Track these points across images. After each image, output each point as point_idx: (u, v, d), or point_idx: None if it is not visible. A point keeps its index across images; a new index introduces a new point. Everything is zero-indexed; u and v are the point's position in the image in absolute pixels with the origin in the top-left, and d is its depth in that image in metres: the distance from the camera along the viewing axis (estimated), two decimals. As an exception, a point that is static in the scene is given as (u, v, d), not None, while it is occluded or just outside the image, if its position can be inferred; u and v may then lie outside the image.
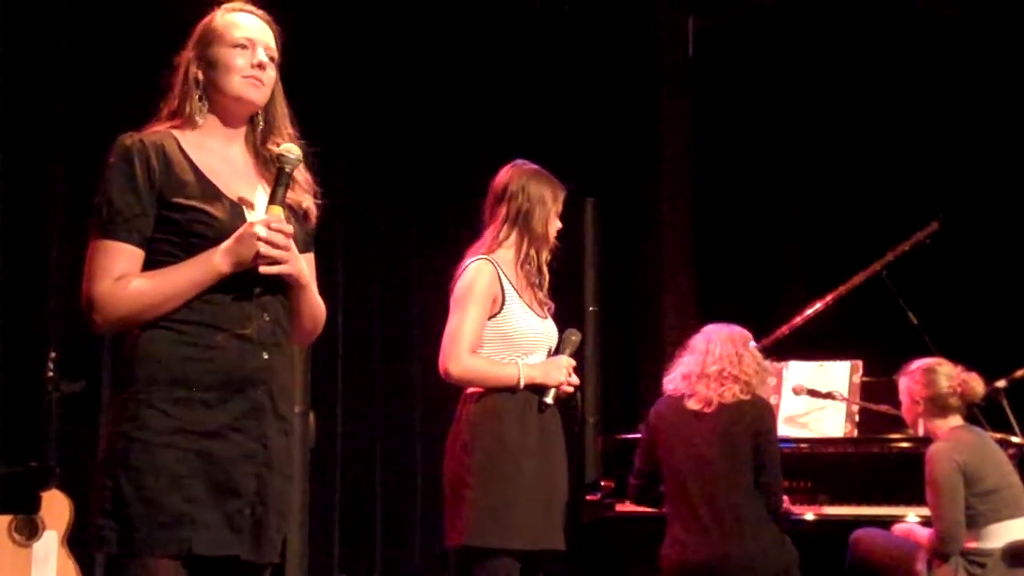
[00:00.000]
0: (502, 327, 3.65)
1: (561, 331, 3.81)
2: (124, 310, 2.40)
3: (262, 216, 2.45)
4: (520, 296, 3.69)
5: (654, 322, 7.17)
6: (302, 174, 2.61)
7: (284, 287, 2.52)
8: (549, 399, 3.64)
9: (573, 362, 3.72)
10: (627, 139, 7.30)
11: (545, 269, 3.79)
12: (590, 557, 5.25)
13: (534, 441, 3.61)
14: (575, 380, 3.71)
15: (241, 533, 2.40)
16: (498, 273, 3.67)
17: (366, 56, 6.09)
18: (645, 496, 4.72)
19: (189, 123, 2.54)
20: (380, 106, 6.15)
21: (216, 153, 2.55)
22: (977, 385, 4.55)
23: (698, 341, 4.62)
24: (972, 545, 4.36)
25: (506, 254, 3.74)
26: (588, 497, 5.33)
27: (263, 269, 2.42)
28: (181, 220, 2.43)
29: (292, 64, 5.93)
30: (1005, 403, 5.01)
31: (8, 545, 4.47)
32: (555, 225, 3.80)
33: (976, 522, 4.34)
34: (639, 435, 4.79)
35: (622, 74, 7.27)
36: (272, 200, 2.47)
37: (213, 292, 2.42)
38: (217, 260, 2.41)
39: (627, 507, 5.21)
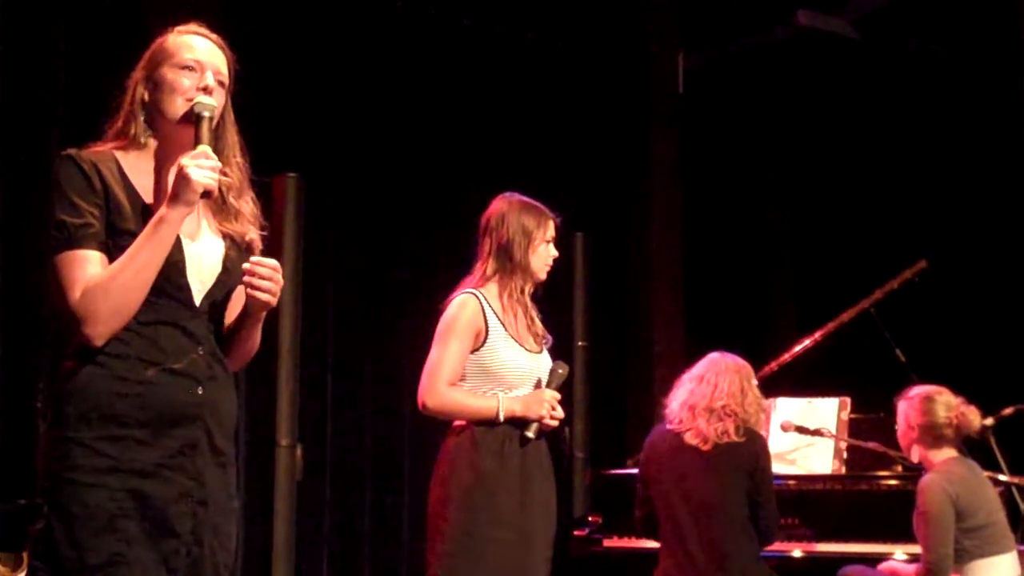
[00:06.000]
0: (484, 361, 3.65)
1: (553, 365, 3.80)
2: (111, 300, 2.33)
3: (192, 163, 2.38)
4: (507, 330, 3.68)
5: (643, 357, 7.18)
6: (249, 205, 2.57)
7: (220, 321, 2.50)
8: (531, 433, 3.62)
9: (557, 395, 3.69)
10: (618, 174, 7.33)
11: (529, 301, 3.78)
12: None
13: (513, 476, 3.59)
14: (559, 413, 3.68)
15: (177, 574, 2.36)
16: (483, 307, 3.67)
17: (359, 93, 6.12)
18: (651, 527, 4.61)
19: (133, 144, 2.49)
20: (372, 141, 6.17)
21: (159, 177, 2.48)
22: (975, 419, 4.53)
23: (706, 372, 4.57)
24: (956, 581, 4.35)
25: (493, 287, 3.74)
26: (576, 532, 5.31)
27: (202, 182, 2.35)
28: (112, 245, 2.38)
29: (286, 98, 5.94)
30: (992, 441, 5.01)
31: (-8, 575, 4.45)
32: (543, 255, 3.77)
33: (960, 558, 4.32)
34: (627, 470, 4.77)
35: (613, 110, 7.31)
36: (197, 143, 2.42)
37: (146, 325, 2.38)
38: (162, 212, 2.36)
39: (615, 542, 5.20)
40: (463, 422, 3.64)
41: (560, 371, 3.75)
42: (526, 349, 3.72)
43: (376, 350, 6.11)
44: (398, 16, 6.30)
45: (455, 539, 3.52)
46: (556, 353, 3.90)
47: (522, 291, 3.75)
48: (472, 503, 3.54)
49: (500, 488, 3.56)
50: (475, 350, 3.65)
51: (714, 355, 4.65)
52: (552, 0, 7.02)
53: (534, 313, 3.79)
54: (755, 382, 4.62)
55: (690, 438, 4.46)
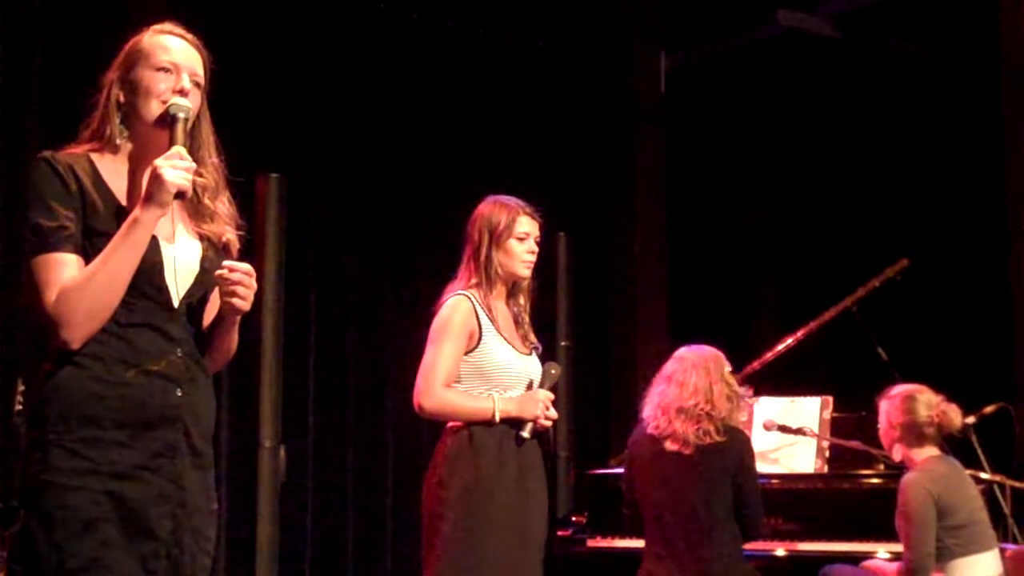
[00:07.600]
0: (478, 362, 3.65)
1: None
2: (86, 302, 2.31)
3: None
4: (499, 331, 3.68)
5: (626, 357, 7.19)
6: (225, 206, 2.56)
7: (199, 322, 2.50)
8: (526, 433, 3.63)
9: (551, 396, 3.71)
10: (601, 174, 7.34)
11: (520, 302, 3.78)
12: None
13: (511, 475, 3.60)
14: (553, 414, 3.69)
15: None
16: (475, 308, 3.67)
17: (342, 94, 6.11)
18: (639, 525, 4.61)
19: (108, 146, 2.47)
20: (355, 141, 6.16)
21: (134, 179, 2.46)
22: (956, 417, 4.54)
23: (675, 370, 4.57)
24: (938, 579, 4.36)
25: (479, 290, 3.74)
26: (560, 532, 5.32)
27: (175, 182, 2.33)
28: (88, 247, 2.37)
29: (270, 98, 5.92)
30: (974, 439, 5.03)
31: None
32: (515, 250, 3.72)
33: (942, 556, 4.34)
34: (611, 470, 4.77)
35: (595, 110, 7.32)
36: (171, 144, 2.40)
37: (125, 327, 2.37)
38: (136, 213, 2.35)
39: (598, 542, 5.20)
40: (459, 423, 3.64)
41: (553, 371, 3.77)
42: (516, 351, 3.72)
43: (359, 351, 6.10)
44: (381, 17, 6.30)
45: (454, 540, 3.52)
46: (541, 353, 3.90)
47: (509, 294, 3.76)
48: (471, 503, 3.54)
49: (498, 488, 3.57)
50: (469, 351, 3.65)
51: (682, 350, 4.65)
52: (534, 1, 7.03)
53: (522, 316, 3.79)
54: (728, 368, 4.59)
55: (670, 444, 4.46)
